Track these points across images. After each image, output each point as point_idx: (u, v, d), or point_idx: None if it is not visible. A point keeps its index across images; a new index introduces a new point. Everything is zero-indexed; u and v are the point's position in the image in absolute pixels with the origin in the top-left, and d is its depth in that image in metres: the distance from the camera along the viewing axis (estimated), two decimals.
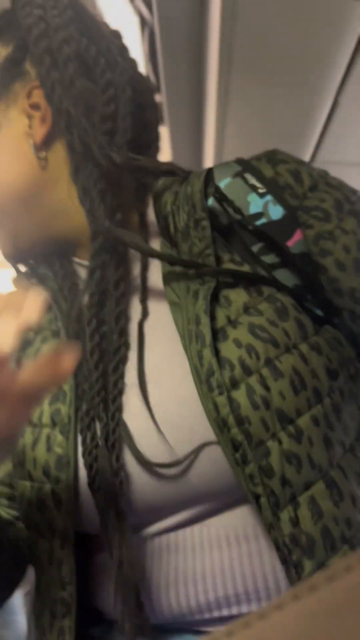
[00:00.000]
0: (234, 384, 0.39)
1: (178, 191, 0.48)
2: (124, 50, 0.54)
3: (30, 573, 0.56)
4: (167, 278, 0.47)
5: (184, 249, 0.46)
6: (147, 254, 0.44)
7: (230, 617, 0.39)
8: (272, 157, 0.46)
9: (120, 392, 0.43)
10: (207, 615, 0.39)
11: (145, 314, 0.46)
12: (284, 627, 0.11)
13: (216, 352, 0.40)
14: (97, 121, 0.44)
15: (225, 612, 0.39)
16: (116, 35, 0.54)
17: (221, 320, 0.42)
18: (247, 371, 0.39)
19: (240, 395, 0.38)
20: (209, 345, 0.40)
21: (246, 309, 0.43)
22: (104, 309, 0.46)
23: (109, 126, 0.45)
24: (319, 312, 0.46)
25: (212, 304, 0.42)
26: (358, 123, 0.97)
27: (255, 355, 0.40)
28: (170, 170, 0.45)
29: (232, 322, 0.42)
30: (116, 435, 0.41)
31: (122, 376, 0.43)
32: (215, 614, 0.39)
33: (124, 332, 0.45)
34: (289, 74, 0.82)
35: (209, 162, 1.21)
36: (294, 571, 0.36)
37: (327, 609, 0.11)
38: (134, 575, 0.38)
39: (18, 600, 1.40)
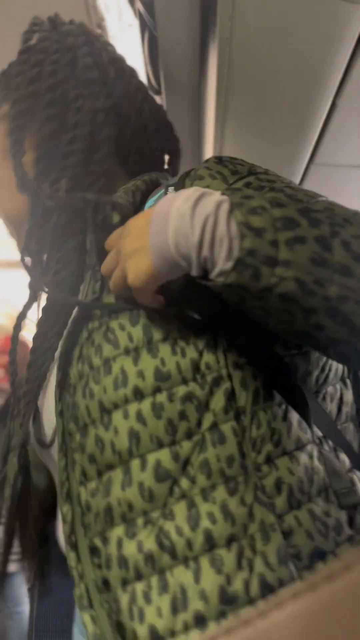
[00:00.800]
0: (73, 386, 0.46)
1: None
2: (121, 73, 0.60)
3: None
4: None
5: None
6: (85, 307, 0.50)
7: None
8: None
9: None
10: None
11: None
12: (283, 626, 0.11)
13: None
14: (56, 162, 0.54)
15: None
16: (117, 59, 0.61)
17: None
18: (81, 375, 0.45)
19: (78, 389, 0.46)
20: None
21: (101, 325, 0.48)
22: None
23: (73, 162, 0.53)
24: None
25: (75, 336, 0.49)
26: (356, 126, 0.97)
27: (100, 355, 0.45)
28: (112, 203, 0.51)
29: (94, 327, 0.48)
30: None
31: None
32: None
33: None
34: (288, 75, 0.83)
35: None
36: (73, 537, 0.42)
37: (326, 608, 0.11)
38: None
39: (23, 593, 1.40)
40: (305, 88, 0.84)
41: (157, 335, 0.43)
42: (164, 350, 0.42)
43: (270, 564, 0.37)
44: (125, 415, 0.42)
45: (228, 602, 0.36)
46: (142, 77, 1.09)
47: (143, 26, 0.94)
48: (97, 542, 0.41)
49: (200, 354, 0.42)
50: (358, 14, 0.67)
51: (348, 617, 0.11)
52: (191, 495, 0.39)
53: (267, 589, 0.36)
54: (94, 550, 0.41)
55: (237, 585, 0.36)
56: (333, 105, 0.89)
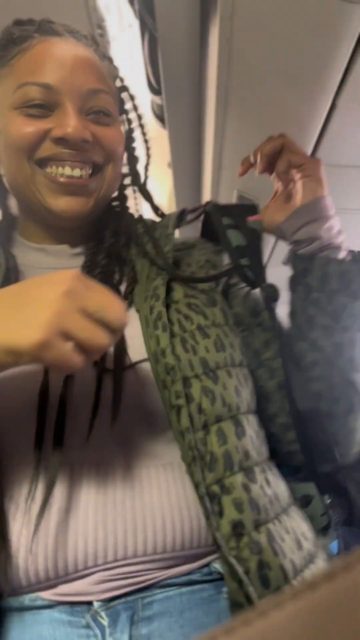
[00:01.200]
0: (172, 336, 0.49)
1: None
2: None
3: None
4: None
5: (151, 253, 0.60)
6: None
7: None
8: None
9: None
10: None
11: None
12: (283, 625, 0.11)
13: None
14: None
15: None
16: None
17: (167, 300, 0.54)
18: (182, 329, 0.50)
19: (176, 342, 0.48)
20: (162, 300, 0.51)
21: (186, 295, 0.55)
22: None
23: None
24: (250, 275, 0.61)
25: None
26: (356, 126, 0.97)
27: (190, 320, 0.51)
28: None
29: (175, 301, 0.54)
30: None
31: None
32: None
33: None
34: (287, 75, 0.83)
35: (208, 162, 1.21)
36: (199, 474, 0.43)
37: (327, 608, 0.11)
38: None
39: None
40: (305, 88, 0.84)
41: (230, 320, 0.56)
42: (236, 332, 0.56)
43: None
44: (230, 375, 0.50)
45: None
46: (142, 77, 1.09)
47: (143, 26, 0.94)
48: (215, 488, 0.43)
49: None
50: (358, 13, 0.67)
51: (348, 617, 0.11)
52: None
53: None
54: (212, 497, 0.43)
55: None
56: (333, 105, 0.89)
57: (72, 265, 0.61)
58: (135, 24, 0.95)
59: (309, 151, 1.14)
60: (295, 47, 0.76)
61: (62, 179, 0.55)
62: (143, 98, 1.13)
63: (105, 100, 0.58)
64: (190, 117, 1.15)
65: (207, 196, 1.41)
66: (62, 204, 0.55)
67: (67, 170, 0.55)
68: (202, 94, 1.06)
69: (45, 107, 0.54)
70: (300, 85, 0.84)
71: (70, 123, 0.53)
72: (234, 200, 1.61)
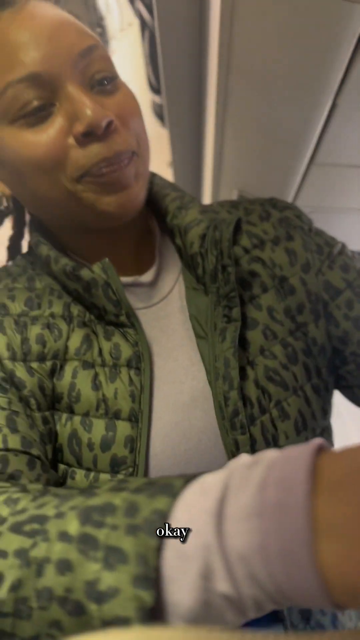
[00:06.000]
0: (252, 421, 0.45)
1: (205, 234, 0.52)
2: None
3: None
4: (193, 311, 0.53)
5: (212, 290, 0.51)
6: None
7: None
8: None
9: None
10: None
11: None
12: None
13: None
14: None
15: None
16: None
17: (242, 361, 0.47)
18: (262, 410, 0.45)
19: (256, 431, 0.44)
20: (237, 388, 0.44)
21: (262, 351, 0.48)
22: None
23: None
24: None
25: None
26: (356, 125, 0.97)
27: (268, 396, 0.46)
28: None
29: (251, 363, 0.47)
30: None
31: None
32: None
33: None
34: (287, 76, 0.83)
35: (208, 162, 1.21)
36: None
37: None
38: None
39: None
40: (305, 88, 0.84)
41: (314, 371, 0.54)
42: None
43: None
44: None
45: None
46: (142, 76, 1.09)
47: (143, 25, 0.94)
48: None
49: None
50: (358, 13, 0.67)
51: None
52: None
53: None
54: None
55: None
56: (333, 105, 0.89)
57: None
58: (135, 22, 0.95)
59: (309, 151, 1.14)
60: (295, 47, 0.75)
61: (106, 178, 0.46)
62: (143, 98, 1.13)
63: (100, 56, 0.48)
64: (190, 117, 1.15)
65: (207, 196, 1.41)
66: (114, 201, 0.47)
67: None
68: (202, 94, 1.05)
69: (46, 104, 0.44)
70: (300, 85, 0.84)
71: (85, 107, 0.42)
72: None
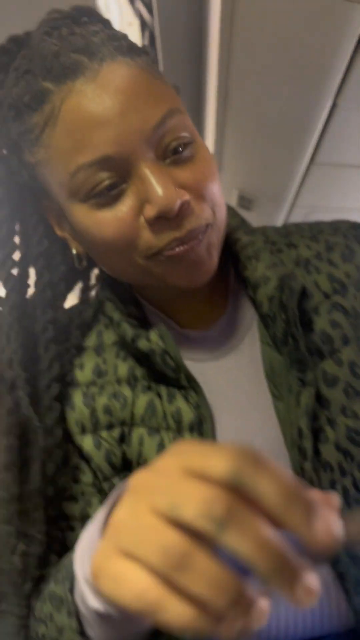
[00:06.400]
0: (332, 485, 0.44)
1: (274, 296, 0.50)
2: None
3: None
4: (267, 368, 0.51)
5: (284, 352, 0.49)
6: None
7: None
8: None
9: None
10: None
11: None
12: None
13: (317, 452, 0.44)
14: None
15: None
16: None
17: (322, 420, 0.46)
18: (343, 473, 0.45)
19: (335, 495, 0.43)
20: (310, 460, 0.44)
21: (343, 410, 0.47)
22: None
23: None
24: None
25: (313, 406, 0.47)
26: (357, 125, 0.97)
27: (351, 458, 0.45)
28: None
29: (331, 423, 0.46)
30: None
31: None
32: None
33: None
34: (288, 75, 0.83)
35: None
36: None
37: None
38: None
39: None
40: (305, 88, 0.84)
41: None
42: None
43: None
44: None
45: None
46: None
47: (143, 25, 0.94)
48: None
49: None
50: (358, 13, 0.67)
51: None
52: None
53: None
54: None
55: None
56: (333, 105, 0.89)
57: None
58: (135, 22, 0.95)
59: (310, 150, 1.14)
60: (295, 47, 0.75)
61: (178, 256, 0.44)
62: None
63: (175, 123, 0.43)
64: (190, 117, 1.15)
65: None
66: (185, 277, 0.46)
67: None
68: (202, 94, 1.05)
69: (117, 182, 0.42)
70: (300, 85, 0.84)
71: (156, 190, 0.40)
72: (234, 199, 1.61)
